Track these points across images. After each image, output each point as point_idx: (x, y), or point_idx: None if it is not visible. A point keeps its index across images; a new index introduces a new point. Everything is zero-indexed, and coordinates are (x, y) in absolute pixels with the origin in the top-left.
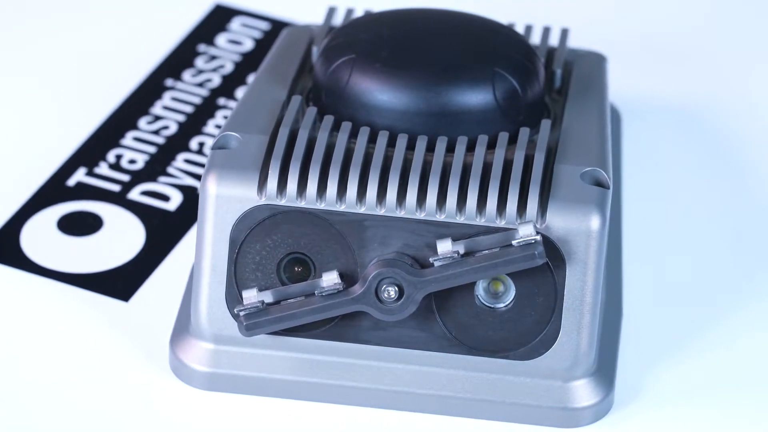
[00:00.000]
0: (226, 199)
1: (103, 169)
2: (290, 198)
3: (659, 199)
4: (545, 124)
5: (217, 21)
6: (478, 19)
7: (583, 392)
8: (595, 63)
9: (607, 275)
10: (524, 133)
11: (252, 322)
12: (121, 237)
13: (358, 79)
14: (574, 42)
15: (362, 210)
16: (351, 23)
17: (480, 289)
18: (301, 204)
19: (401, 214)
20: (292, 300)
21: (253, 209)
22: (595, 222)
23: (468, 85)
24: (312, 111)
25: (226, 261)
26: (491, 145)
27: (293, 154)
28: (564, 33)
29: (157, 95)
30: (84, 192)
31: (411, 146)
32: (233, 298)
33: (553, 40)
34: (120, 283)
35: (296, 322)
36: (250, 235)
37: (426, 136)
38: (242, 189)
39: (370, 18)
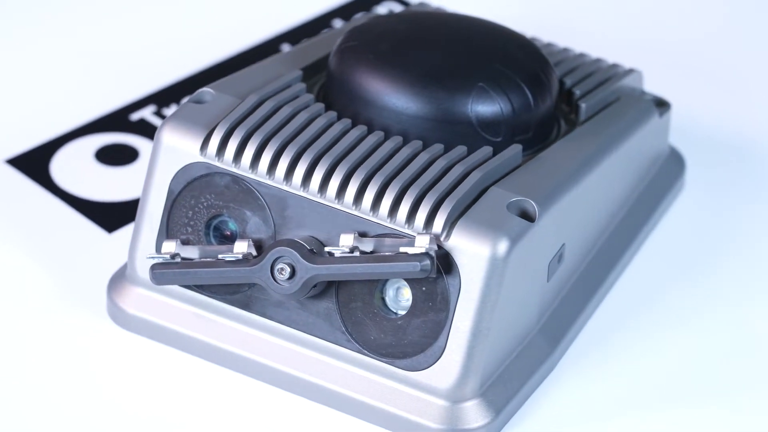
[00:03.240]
0: (172, 150)
1: (170, 110)
2: (227, 161)
3: (685, 251)
4: (512, 148)
5: (368, 1)
6: (508, 35)
7: (460, 414)
8: (642, 107)
9: (567, 306)
10: (483, 151)
11: (159, 271)
12: (144, 175)
13: (349, 66)
14: (653, 83)
15: (287, 188)
16: (384, 15)
17: (389, 293)
18: (235, 169)
19: (321, 200)
20: (202, 259)
21: (193, 165)
22: (500, 249)
23: (445, 93)
24: (298, 87)
25: (162, 210)
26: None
27: (244, 121)
28: (625, 72)
29: (264, 56)
30: (139, 127)
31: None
32: (162, 246)
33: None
34: (113, 215)
35: (197, 281)
36: (186, 189)
37: (381, 132)
38: (188, 143)
39: (403, 13)
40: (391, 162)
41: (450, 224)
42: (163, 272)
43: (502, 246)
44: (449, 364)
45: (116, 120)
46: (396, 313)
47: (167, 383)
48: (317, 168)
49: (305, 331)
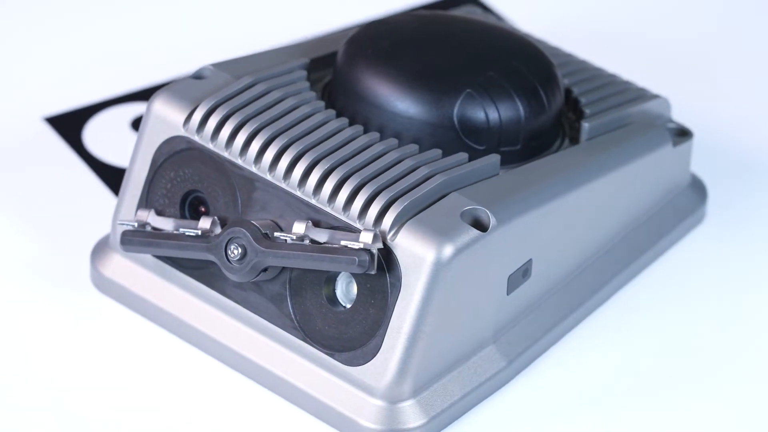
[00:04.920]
0: (160, 120)
1: None
2: (205, 138)
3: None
4: (488, 158)
5: (451, 3)
6: (522, 46)
7: (391, 414)
8: (654, 134)
9: (534, 324)
10: (457, 156)
11: (126, 238)
12: None
13: (346, 58)
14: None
15: (256, 170)
16: (403, 14)
17: (341, 285)
18: (212, 146)
19: (285, 186)
20: (168, 231)
21: (176, 138)
22: (443, 254)
23: (432, 95)
24: (297, 74)
25: (144, 179)
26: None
27: (229, 101)
28: (649, 97)
29: None
30: None
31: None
32: (135, 214)
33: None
34: None
35: (159, 252)
36: (167, 161)
37: (360, 126)
38: (174, 115)
39: (421, 13)
40: (359, 156)
41: (400, 223)
42: (131, 239)
43: (446, 251)
44: (383, 362)
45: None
46: (344, 306)
47: (124, 347)
48: (285, 154)
49: (257, 313)
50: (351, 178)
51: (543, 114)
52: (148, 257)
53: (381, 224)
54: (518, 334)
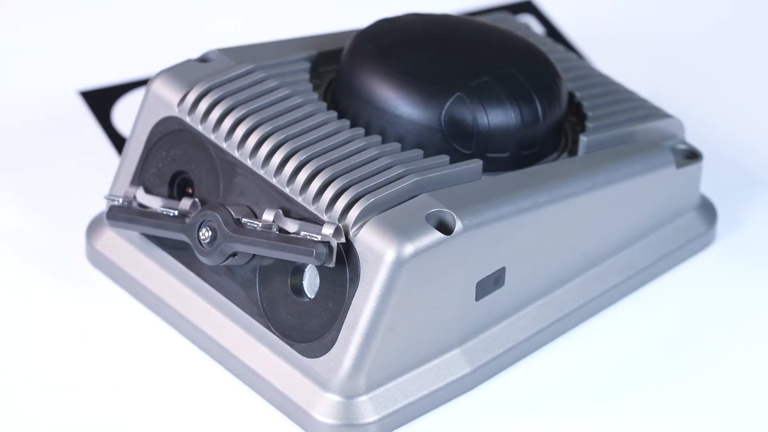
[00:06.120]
0: (157, 99)
1: None
2: (196, 120)
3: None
4: (470, 162)
5: (510, 9)
6: (531, 55)
7: (341, 408)
8: (656, 154)
9: (508, 333)
10: (438, 158)
11: (112, 213)
12: None
13: (347, 53)
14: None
15: (238, 156)
16: (418, 14)
17: (307, 276)
18: (200, 129)
19: (262, 173)
20: (150, 210)
21: (170, 118)
22: (401, 254)
23: (421, 95)
24: (299, 65)
25: (138, 157)
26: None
27: (224, 85)
28: (659, 116)
29: None
30: None
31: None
32: (124, 191)
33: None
34: None
35: (139, 229)
36: (160, 141)
37: (347, 121)
38: (170, 95)
39: (435, 15)
40: (337, 150)
41: (364, 219)
42: (116, 215)
43: (405, 251)
44: (338, 356)
45: None
46: (308, 297)
47: (106, 319)
48: (266, 142)
49: (228, 297)
50: (324, 171)
51: (536, 124)
52: (135, 233)
53: (346, 218)
54: (487, 341)
